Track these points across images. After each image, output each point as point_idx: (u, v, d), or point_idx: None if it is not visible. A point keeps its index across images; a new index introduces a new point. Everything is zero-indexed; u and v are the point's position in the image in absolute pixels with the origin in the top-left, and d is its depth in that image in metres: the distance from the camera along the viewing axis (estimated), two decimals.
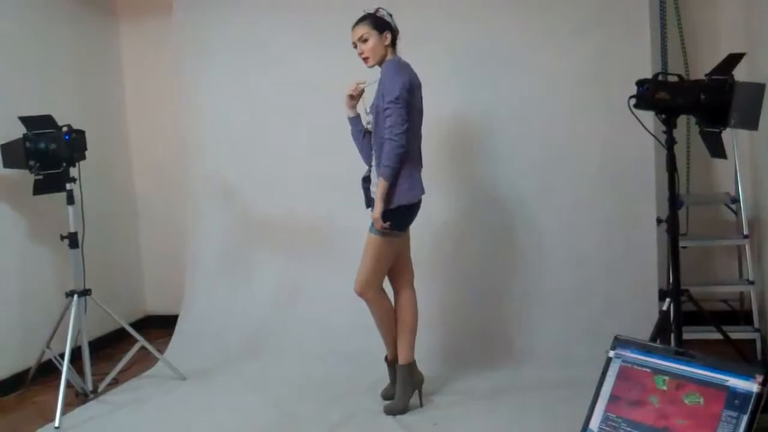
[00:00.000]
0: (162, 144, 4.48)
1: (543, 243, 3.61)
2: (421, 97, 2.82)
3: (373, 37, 2.77)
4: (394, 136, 2.67)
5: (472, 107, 3.63)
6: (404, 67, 2.76)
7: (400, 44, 2.93)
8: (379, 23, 2.80)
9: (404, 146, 2.69)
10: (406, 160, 2.71)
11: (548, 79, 3.53)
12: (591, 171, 3.53)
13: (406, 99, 2.70)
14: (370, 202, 2.85)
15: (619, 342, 1.89)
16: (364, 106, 2.92)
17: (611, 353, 1.86)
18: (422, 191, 2.83)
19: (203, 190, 4.14)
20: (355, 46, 2.81)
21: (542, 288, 3.58)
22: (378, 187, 2.69)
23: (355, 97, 2.88)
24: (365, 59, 2.80)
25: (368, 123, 2.84)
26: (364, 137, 2.93)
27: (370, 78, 2.87)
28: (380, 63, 2.82)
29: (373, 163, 2.83)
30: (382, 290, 2.93)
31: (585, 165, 3.53)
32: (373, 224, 2.78)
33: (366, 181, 2.90)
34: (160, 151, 4.50)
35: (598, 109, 3.47)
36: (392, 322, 2.95)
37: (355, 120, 2.95)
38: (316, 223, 3.91)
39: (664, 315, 2.67)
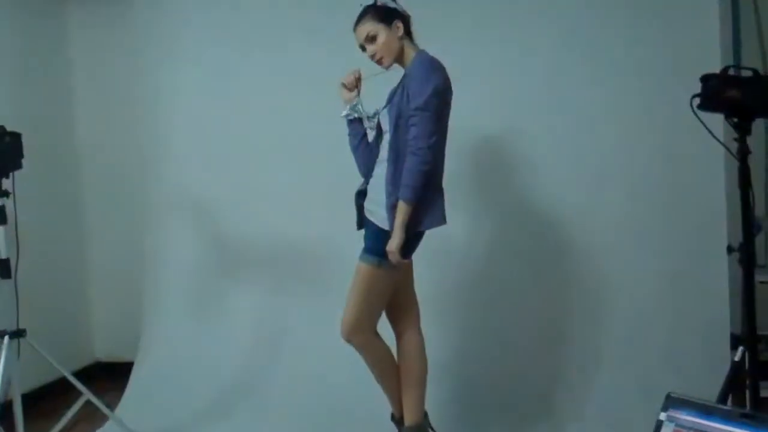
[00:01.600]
0: (119, 152, 4.50)
1: (586, 274, 3.59)
2: (450, 105, 2.83)
3: (382, 32, 2.77)
4: (419, 149, 2.65)
5: (499, 108, 3.62)
6: (438, 66, 2.75)
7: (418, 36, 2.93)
8: (385, 13, 2.81)
9: (430, 162, 2.68)
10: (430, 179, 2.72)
11: (593, 73, 3.52)
12: (646, 187, 3.52)
13: (437, 106, 2.70)
14: (363, 223, 2.86)
15: (671, 401, 1.84)
16: (360, 106, 2.92)
17: (662, 415, 1.81)
18: (443, 219, 2.83)
19: (168, 208, 4.14)
20: (364, 49, 2.82)
21: (586, 330, 3.56)
22: (398, 212, 2.68)
23: (349, 88, 2.89)
24: (380, 60, 2.81)
25: (369, 126, 2.88)
26: (361, 142, 2.94)
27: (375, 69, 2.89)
28: (400, 60, 2.84)
29: (377, 177, 2.84)
30: (376, 334, 2.91)
31: (639, 179, 3.53)
32: (365, 251, 2.78)
33: (361, 196, 2.90)
34: (117, 160, 4.52)
35: (656, 112, 3.46)
36: (393, 372, 2.94)
37: (353, 123, 2.95)
38: (307, 249, 3.91)
39: (736, 366, 2.63)
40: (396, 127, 2.71)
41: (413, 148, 2.64)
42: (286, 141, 3.93)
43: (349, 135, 2.99)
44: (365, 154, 2.96)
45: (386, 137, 2.79)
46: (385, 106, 2.83)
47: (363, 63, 2.92)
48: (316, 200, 3.81)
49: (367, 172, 2.91)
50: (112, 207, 4.56)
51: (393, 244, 2.67)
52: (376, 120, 2.89)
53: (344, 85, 2.91)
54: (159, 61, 4.14)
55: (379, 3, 2.81)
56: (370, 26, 2.77)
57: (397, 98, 2.75)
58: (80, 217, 4.61)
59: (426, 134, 2.63)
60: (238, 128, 4.03)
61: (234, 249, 4.06)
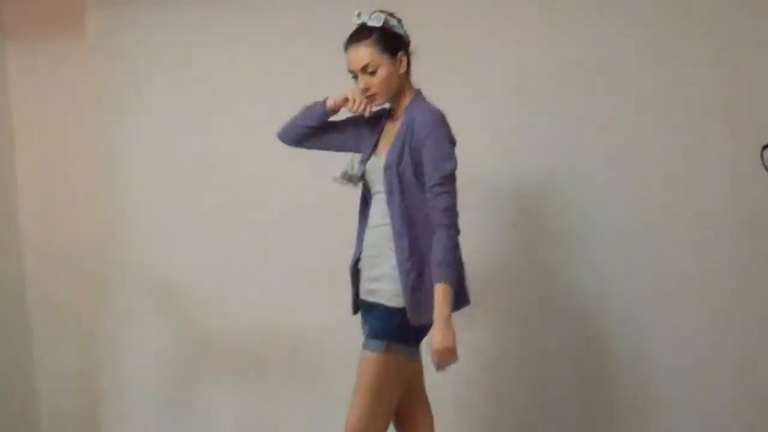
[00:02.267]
0: (65, 211, 4.11)
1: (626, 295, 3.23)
2: None
3: (384, 66, 2.50)
4: (454, 224, 2.46)
5: (540, 147, 3.27)
6: (443, 117, 2.55)
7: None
8: (391, 41, 2.52)
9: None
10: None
11: (653, 109, 3.18)
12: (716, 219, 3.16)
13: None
14: (360, 305, 2.62)
15: None
16: (355, 162, 2.65)
17: None
18: (468, 297, 2.62)
19: (127, 285, 3.83)
20: (354, 77, 2.55)
21: (630, 365, 3.21)
22: (441, 300, 2.41)
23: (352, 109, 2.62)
24: (371, 97, 2.55)
25: (355, 175, 2.61)
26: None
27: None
28: (394, 99, 2.60)
29: (374, 247, 2.57)
30: None
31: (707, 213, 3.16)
32: (369, 337, 2.51)
33: (356, 270, 2.64)
34: (63, 221, 4.12)
35: (724, 149, 3.11)
36: None
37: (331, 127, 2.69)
38: (299, 341, 3.60)
39: None
40: (403, 189, 2.49)
41: (447, 221, 2.44)
42: (273, 201, 3.57)
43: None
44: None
45: (380, 197, 2.57)
46: (366, 159, 2.61)
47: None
48: (308, 281, 3.48)
49: (359, 234, 2.67)
50: (58, 283, 4.12)
51: (442, 341, 2.39)
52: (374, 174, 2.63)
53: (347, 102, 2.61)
54: (117, 108, 3.85)
55: (387, 25, 2.52)
56: (369, 54, 2.49)
57: (397, 152, 2.51)
58: (17, 295, 4.18)
59: (455, 203, 2.47)
60: (211, 188, 3.70)
61: (210, 340, 3.74)
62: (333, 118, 2.68)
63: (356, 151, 2.65)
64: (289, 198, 3.53)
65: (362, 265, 2.59)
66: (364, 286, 2.58)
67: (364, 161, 2.58)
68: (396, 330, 2.47)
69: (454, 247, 2.45)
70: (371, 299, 2.54)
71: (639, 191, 3.18)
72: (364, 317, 2.59)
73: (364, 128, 2.65)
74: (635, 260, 3.20)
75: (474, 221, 2.85)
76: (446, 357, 2.41)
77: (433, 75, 2.68)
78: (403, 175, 2.49)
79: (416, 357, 2.57)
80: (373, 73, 2.49)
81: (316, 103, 2.66)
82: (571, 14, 3.20)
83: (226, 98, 3.63)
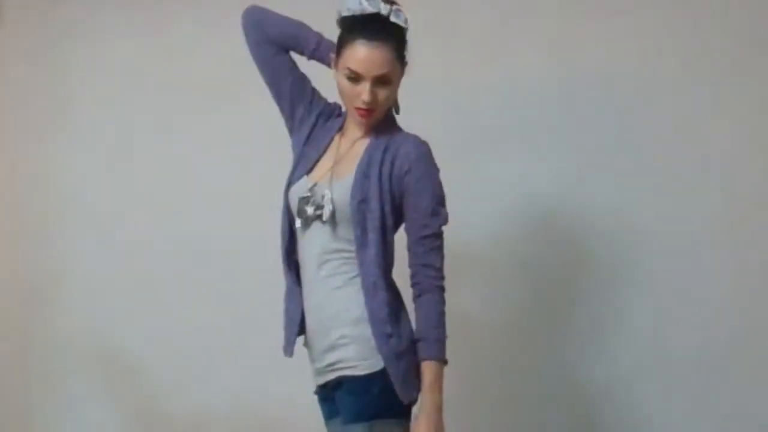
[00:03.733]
0: None
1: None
2: None
3: (396, 80, 2.19)
4: (442, 286, 2.20)
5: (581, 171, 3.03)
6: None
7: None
8: (403, 49, 2.21)
9: None
10: None
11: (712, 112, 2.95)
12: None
13: None
14: (318, 389, 2.32)
15: None
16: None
17: None
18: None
19: (63, 360, 3.49)
20: (354, 80, 2.17)
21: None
22: (431, 382, 2.15)
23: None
24: (368, 113, 2.19)
25: (315, 207, 2.20)
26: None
27: None
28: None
29: (333, 301, 2.22)
30: None
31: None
32: (347, 423, 2.18)
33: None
34: None
35: None
36: None
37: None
38: (274, 422, 3.25)
39: None
40: (385, 231, 2.19)
41: (442, 282, 2.19)
42: (237, 260, 3.27)
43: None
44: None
45: (317, 232, 2.22)
46: (297, 178, 2.28)
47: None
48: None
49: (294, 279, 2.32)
50: None
51: (430, 426, 2.11)
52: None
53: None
54: (49, 119, 3.57)
55: (407, 27, 2.19)
56: (390, 61, 2.15)
57: (374, 184, 2.19)
58: None
59: (442, 257, 2.23)
60: (167, 239, 3.37)
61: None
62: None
63: (284, 112, 2.35)
64: (267, 267, 3.06)
65: (309, 336, 2.25)
66: (316, 364, 2.25)
67: (294, 179, 2.24)
68: (378, 403, 2.14)
69: (443, 315, 2.18)
70: (332, 376, 2.20)
71: None
72: (324, 400, 2.28)
73: (308, 117, 2.32)
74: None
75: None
76: None
77: None
78: (385, 215, 2.16)
79: (408, 424, 2.21)
80: (384, 85, 2.15)
81: (330, 42, 2.28)
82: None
83: (187, 114, 3.33)
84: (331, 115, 2.30)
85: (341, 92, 2.17)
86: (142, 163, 3.40)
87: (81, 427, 3.43)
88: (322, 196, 2.13)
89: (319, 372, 2.22)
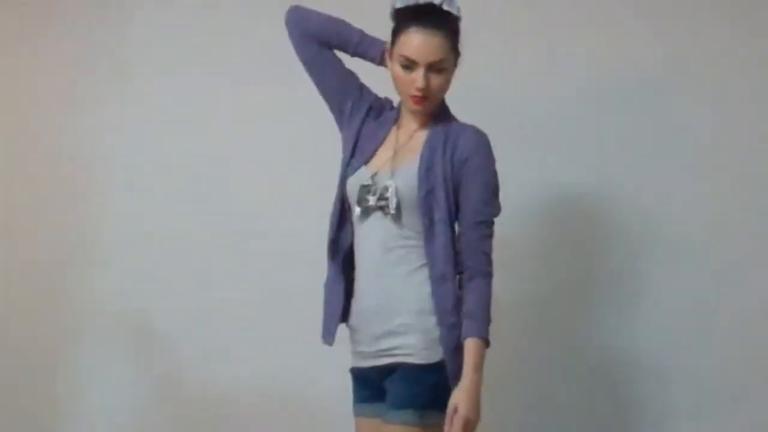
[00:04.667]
0: (26, 225, 3.57)
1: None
2: None
3: (451, 68, 2.21)
4: (491, 271, 2.20)
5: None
6: None
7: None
8: (457, 39, 2.23)
9: None
10: None
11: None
12: None
13: None
14: (358, 372, 2.32)
15: None
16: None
17: None
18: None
19: (92, 336, 3.43)
20: (408, 68, 2.18)
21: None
22: (473, 359, 2.15)
23: None
24: (423, 100, 2.19)
25: (378, 197, 2.21)
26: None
27: None
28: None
29: (391, 292, 2.23)
30: None
31: None
32: (398, 406, 2.17)
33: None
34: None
35: None
36: None
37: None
38: (299, 399, 3.20)
39: None
40: (451, 221, 2.20)
41: (491, 269, 2.20)
42: (267, 240, 3.24)
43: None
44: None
45: (382, 223, 2.22)
46: (355, 168, 2.28)
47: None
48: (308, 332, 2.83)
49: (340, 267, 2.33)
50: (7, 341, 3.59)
51: (473, 410, 2.11)
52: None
53: None
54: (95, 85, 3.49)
55: (459, 18, 2.22)
56: (446, 49, 2.18)
57: (439, 173, 2.20)
58: None
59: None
60: (199, 221, 3.32)
61: (194, 402, 3.32)
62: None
63: (333, 108, 2.36)
64: (296, 228, 3.18)
65: (359, 320, 2.25)
66: (366, 347, 2.24)
67: (351, 169, 2.24)
68: (432, 394, 2.14)
69: (491, 298, 2.19)
70: (386, 361, 2.19)
71: None
72: (363, 382, 2.27)
73: (357, 112, 2.32)
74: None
75: None
76: (468, 428, 2.11)
77: None
78: (451, 205, 2.18)
79: None
80: (438, 72, 2.16)
81: (373, 38, 2.32)
82: None
83: (238, 90, 3.27)
84: (383, 109, 2.31)
85: (396, 82, 2.19)
86: (188, 137, 3.38)
87: (105, 397, 3.41)
88: (386, 188, 2.15)
89: (365, 355, 2.23)
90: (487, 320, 2.15)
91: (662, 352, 2.89)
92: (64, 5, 3.54)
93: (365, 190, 2.15)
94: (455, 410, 2.09)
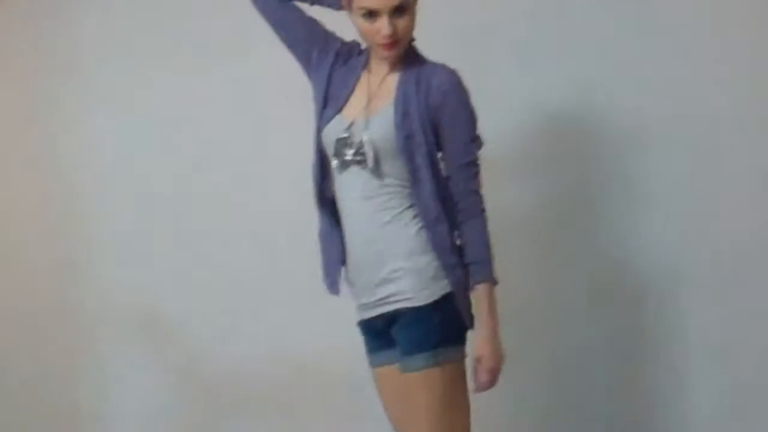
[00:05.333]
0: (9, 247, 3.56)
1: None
2: None
3: (412, 6, 2.18)
4: (484, 208, 2.23)
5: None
6: None
7: None
8: None
9: None
10: None
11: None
12: None
13: None
14: (364, 325, 2.32)
15: None
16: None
17: None
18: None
19: (104, 331, 3.44)
20: (371, 16, 2.15)
21: None
22: (486, 302, 2.18)
23: None
24: (391, 45, 2.17)
25: (355, 151, 2.19)
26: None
27: None
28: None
29: (388, 237, 2.21)
30: None
31: None
32: (410, 352, 2.17)
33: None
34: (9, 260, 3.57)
35: None
36: None
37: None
38: (322, 370, 3.18)
39: None
40: (434, 163, 2.20)
41: (483, 206, 2.21)
42: (269, 222, 3.23)
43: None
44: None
45: (360, 172, 2.21)
46: (329, 118, 2.25)
47: None
48: (315, 301, 2.87)
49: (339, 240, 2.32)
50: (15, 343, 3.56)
51: (495, 355, 2.16)
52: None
53: None
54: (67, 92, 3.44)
55: None
56: None
57: (416, 118, 2.18)
58: None
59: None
60: (200, 206, 3.31)
61: (214, 385, 3.33)
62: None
63: (300, 59, 2.33)
64: (297, 211, 3.03)
65: (354, 272, 2.25)
66: (364, 299, 2.25)
67: (325, 119, 2.22)
68: (440, 330, 2.14)
69: (488, 233, 2.21)
70: (386, 309, 2.20)
71: None
72: (370, 333, 2.28)
73: (324, 58, 2.29)
74: None
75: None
76: (496, 375, 2.16)
77: None
78: (432, 147, 2.17)
79: (464, 347, 2.24)
80: (402, 15, 2.13)
81: None
82: None
83: (203, 68, 3.25)
84: (350, 53, 2.29)
85: (362, 33, 2.18)
86: (164, 123, 3.36)
87: (127, 391, 3.42)
88: (361, 141, 2.13)
89: (368, 306, 2.22)
90: (491, 261, 2.17)
91: (665, 250, 2.92)
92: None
93: (342, 143, 2.14)
94: (479, 361, 2.13)
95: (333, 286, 2.29)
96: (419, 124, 2.13)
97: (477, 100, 2.23)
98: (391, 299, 2.16)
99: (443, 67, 2.20)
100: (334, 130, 2.16)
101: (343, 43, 2.29)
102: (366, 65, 2.23)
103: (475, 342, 2.14)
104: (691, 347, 2.93)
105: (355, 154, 2.13)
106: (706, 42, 2.87)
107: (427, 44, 2.27)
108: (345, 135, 2.13)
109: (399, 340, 2.16)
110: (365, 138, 2.10)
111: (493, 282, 2.16)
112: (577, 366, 2.98)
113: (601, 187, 2.97)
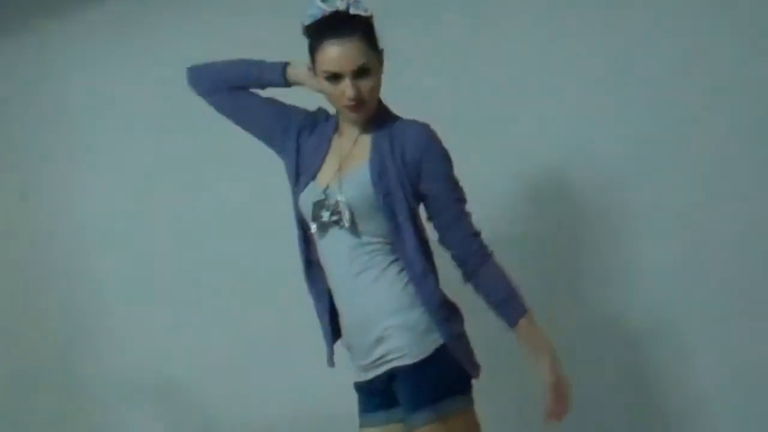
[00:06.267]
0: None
1: None
2: None
3: (376, 69, 2.16)
4: (487, 246, 2.20)
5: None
6: None
7: None
8: (374, 40, 2.19)
9: None
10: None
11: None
12: None
13: None
14: (359, 387, 2.28)
15: None
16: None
17: None
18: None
19: (117, 392, 3.42)
20: (334, 80, 2.13)
21: None
22: (536, 335, 2.16)
23: None
24: (355, 108, 2.15)
25: (331, 212, 2.17)
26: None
27: None
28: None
29: (376, 294, 2.17)
30: None
31: None
32: (412, 411, 2.13)
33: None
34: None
35: None
36: None
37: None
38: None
39: None
40: (414, 216, 2.17)
41: (485, 246, 2.19)
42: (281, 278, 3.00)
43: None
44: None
45: (340, 235, 2.18)
46: (303, 185, 2.24)
47: None
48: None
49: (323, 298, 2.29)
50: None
51: (563, 378, 2.14)
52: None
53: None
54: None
55: (369, 17, 2.15)
56: (364, 52, 2.12)
57: (394, 175, 2.16)
58: None
59: None
60: (207, 262, 3.30)
61: None
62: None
63: (266, 142, 2.33)
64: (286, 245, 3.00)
65: (349, 335, 2.21)
66: (361, 361, 2.20)
67: (300, 187, 2.20)
68: (440, 384, 2.12)
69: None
70: (382, 369, 2.16)
71: None
72: (368, 393, 2.23)
73: (289, 133, 2.28)
74: None
75: None
76: (569, 400, 2.12)
77: None
78: (411, 202, 2.14)
79: (471, 395, 2.19)
80: (365, 77, 2.11)
81: (271, 64, 2.28)
82: None
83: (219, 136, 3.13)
84: (316, 122, 2.27)
85: (327, 97, 2.15)
86: (161, 184, 3.34)
87: None
88: (336, 201, 2.10)
89: (365, 368, 2.19)
90: (518, 295, 2.13)
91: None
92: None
93: (319, 205, 2.12)
94: (553, 390, 2.10)
95: (328, 359, 2.26)
96: (396, 181, 2.12)
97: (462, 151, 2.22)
98: (387, 358, 2.13)
99: (415, 123, 2.18)
100: (310, 195, 2.15)
101: (306, 115, 2.27)
102: (336, 129, 2.21)
103: (541, 374, 2.10)
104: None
105: (331, 215, 2.11)
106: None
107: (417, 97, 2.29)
108: (321, 197, 2.11)
109: (401, 398, 2.15)
110: (341, 199, 2.09)
111: (529, 313, 2.12)
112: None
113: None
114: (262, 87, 2.31)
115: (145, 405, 3.36)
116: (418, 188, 2.12)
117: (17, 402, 3.64)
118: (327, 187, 2.12)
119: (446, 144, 2.19)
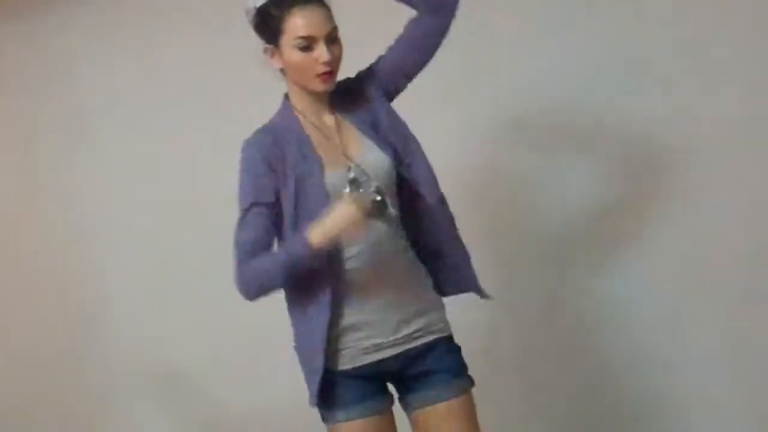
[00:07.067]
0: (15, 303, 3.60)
1: None
2: None
3: (338, 36, 2.15)
4: None
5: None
6: None
7: None
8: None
9: None
10: None
11: None
12: None
13: None
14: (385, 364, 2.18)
15: None
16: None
17: None
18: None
19: (122, 382, 3.44)
20: (307, 47, 2.08)
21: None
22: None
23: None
24: (328, 75, 2.11)
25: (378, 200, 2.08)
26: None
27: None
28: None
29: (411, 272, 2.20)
30: None
31: None
32: (455, 376, 2.20)
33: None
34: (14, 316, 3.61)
35: None
36: None
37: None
38: None
39: None
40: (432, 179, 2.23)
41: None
42: None
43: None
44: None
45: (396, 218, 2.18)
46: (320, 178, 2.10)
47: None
48: None
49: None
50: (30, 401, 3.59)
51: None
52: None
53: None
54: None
55: None
56: (330, 16, 2.12)
57: (391, 143, 2.18)
58: None
59: None
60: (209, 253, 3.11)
61: None
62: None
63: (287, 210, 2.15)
64: None
65: (373, 314, 2.12)
66: (388, 336, 2.13)
67: (326, 178, 2.06)
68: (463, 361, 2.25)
69: None
70: (424, 340, 2.15)
71: None
72: (376, 377, 2.15)
73: (275, 189, 2.10)
74: None
75: None
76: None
77: None
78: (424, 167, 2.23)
79: None
80: (335, 41, 2.09)
81: (296, 257, 2.13)
82: None
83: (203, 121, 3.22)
84: (271, 147, 2.10)
85: (298, 70, 2.09)
86: (168, 177, 3.33)
87: None
88: (370, 186, 2.04)
89: (386, 345, 2.14)
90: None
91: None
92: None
93: (355, 185, 2.04)
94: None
95: (311, 398, 2.21)
96: (394, 144, 2.14)
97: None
98: (431, 329, 2.15)
99: (357, 73, 2.18)
100: (337, 180, 2.06)
101: (268, 164, 2.08)
102: (300, 128, 2.13)
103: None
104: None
105: (374, 201, 2.04)
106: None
107: None
108: (352, 176, 2.05)
109: (442, 367, 2.15)
110: (374, 183, 2.05)
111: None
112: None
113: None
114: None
115: (150, 397, 3.38)
116: (395, 82, 2.16)
117: (24, 395, 3.65)
118: (331, 175, 2.04)
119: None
